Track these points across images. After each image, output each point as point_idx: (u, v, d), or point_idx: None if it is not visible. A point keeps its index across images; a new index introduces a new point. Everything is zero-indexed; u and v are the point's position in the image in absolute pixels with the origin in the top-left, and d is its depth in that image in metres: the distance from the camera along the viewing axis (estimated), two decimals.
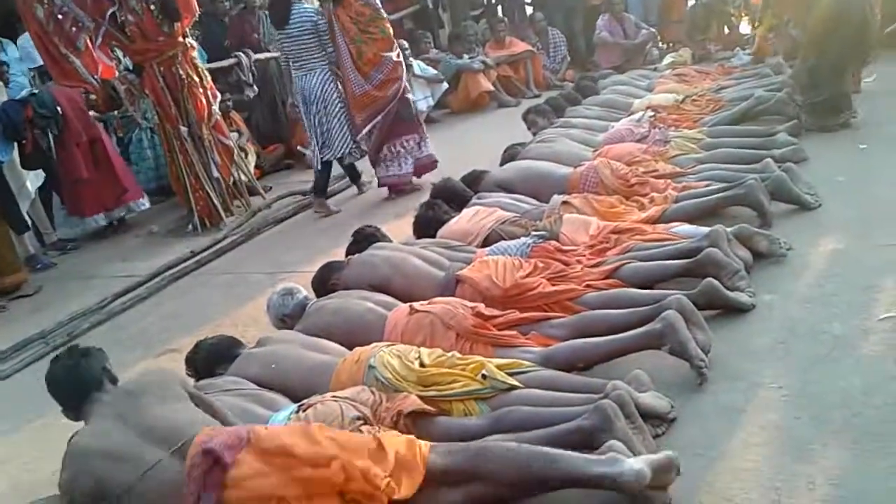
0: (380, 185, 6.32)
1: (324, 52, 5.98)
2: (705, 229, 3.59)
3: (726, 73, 7.46)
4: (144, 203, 6.85)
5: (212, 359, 3.09)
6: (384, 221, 5.40)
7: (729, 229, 3.60)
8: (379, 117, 6.03)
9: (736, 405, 2.61)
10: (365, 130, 6.05)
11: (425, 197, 4.91)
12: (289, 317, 3.43)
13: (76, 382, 2.47)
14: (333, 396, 2.65)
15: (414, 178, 6.27)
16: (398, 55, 6.08)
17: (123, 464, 2.20)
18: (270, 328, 3.68)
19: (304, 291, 3.51)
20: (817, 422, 2.42)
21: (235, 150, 6.65)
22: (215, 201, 6.28)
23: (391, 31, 6.11)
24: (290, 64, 6.24)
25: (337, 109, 6.04)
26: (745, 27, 10.05)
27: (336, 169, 6.53)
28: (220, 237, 5.90)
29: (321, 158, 6.16)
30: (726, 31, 9.92)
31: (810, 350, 2.83)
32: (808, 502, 2.10)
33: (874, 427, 2.33)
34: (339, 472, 2.12)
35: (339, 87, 6.06)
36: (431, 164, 6.27)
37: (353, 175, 6.64)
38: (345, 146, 6.11)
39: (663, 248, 3.53)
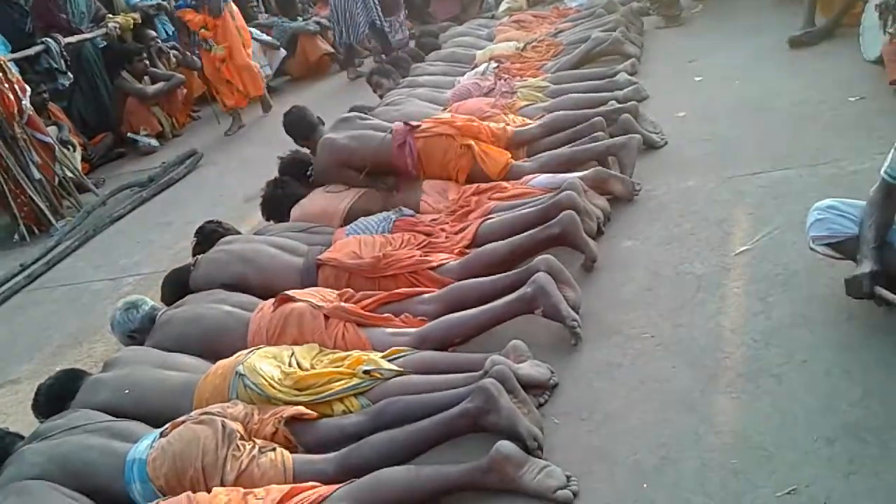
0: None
1: None
2: (563, 177, 3.57)
3: (562, 16, 7.49)
4: None
5: (54, 400, 2.75)
6: (233, 209, 5.12)
7: (585, 173, 3.61)
8: None
9: (614, 360, 2.60)
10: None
11: None
12: (137, 332, 3.12)
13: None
14: (201, 413, 2.44)
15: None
16: None
17: None
18: (119, 343, 3.36)
19: (150, 301, 3.21)
20: (693, 369, 2.44)
21: (57, 146, 6.05)
22: (41, 205, 5.69)
23: None
24: None
25: None
26: None
27: (171, 156, 6.15)
28: (51, 245, 5.34)
29: (344, 40, 8.14)
30: None
31: (676, 293, 2.86)
32: (696, 454, 2.11)
33: (746, 367, 2.37)
34: None
35: None
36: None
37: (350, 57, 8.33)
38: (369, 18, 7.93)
39: (522, 208, 3.47)
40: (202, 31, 6.91)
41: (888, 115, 3.64)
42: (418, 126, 4.05)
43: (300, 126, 4.56)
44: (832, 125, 3.83)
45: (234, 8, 7.00)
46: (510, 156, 4.02)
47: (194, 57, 8.21)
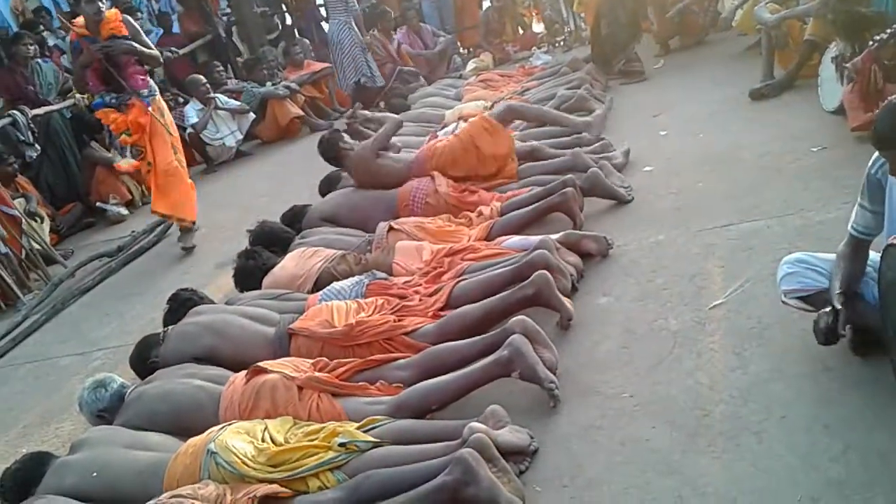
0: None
1: (346, 7, 8.44)
2: (535, 238, 3.57)
3: (528, 74, 7.64)
4: None
5: (20, 486, 2.66)
6: (204, 276, 5.07)
7: (556, 236, 3.62)
8: None
9: (593, 423, 2.57)
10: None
11: None
12: (106, 411, 3.03)
13: None
14: (171, 496, 2.36)
15: None
16: None
17: None
18: (87, 423, 3.27)
19: (119, 379, 3.13)
20: (672, 428, 2.41)
21: (24, 219, 5.97)
22: (7, 279, 5.58)
23: None
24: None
25: (348, 50, 8.43)
26: (537, 26, 10.40)
27: (141, 224, 6.26)
28: (18, 320, 5.23)
29: (345, 87, 8.90)
30: (521, 31, 10.22)
31: (652, 350, 2.84)
32: None
33: (726, 425, 2.35)
34: None
35: (353, 34, 8.46)
36: None
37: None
38: (357, 75, 8.59)
39: (495, 269, 3.46)
40: (123, 136, 5.67)
41: (850, 165, 3.69)
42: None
43: (329, 154, 5.02)
44: (797, 176, 3.90)
45: (163, 104, 5.76)
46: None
47: None
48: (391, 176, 4.70)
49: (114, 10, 5.55)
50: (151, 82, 5.60)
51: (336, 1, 8.58)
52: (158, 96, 5.66)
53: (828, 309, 2.33)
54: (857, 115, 4.07)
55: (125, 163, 5.75)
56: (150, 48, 5.56)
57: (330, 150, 5.02)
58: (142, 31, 5.63)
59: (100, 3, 5.30)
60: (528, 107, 5.54)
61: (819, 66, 4.85)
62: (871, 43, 3.97)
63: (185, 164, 5.75)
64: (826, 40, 4.86)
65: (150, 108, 5.44)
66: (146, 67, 5.59)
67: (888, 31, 3.84)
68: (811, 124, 4.56)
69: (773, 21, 5.37)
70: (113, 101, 5.44)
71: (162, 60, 6.06)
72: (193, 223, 5.78)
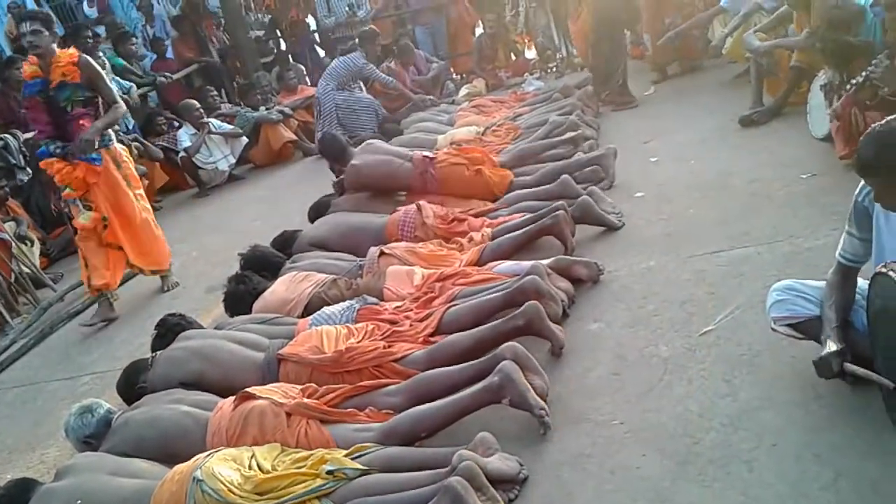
0: None
1: (332, 78, 8.34)
2: (526, 264, 3.57)
3: (520, 100, 7.67)
4: None
5: None
6: (194, 300, 5.04)
7: (547, 261, 3.62)
8: None
9: (583, 450, 2.55)
10: None
11: None
12: (93, 437, 3.01)
13: None
14: None
15: None
16: None
17: None
18: (73, 449, 3.23)
19: (106, 405, 3.11)
20: (663, 456, 2.40)
21: (14, 243, 5.95)
22: None
23: None
24: None
25: (325, 115, 8.28)
26: (530, 53, 10.48)
27: None
28: (6, 344, 5.20)
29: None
30: (513, 57, 10.30)
31: (643, 377, 2.84)
32: None
33: (716, 453, 2.33)
34: None
35: (330, 99, 8.30)
36: None
37: None
38: None
39: (486, 294, 3.45)
40: (66, 191, 4.98)
41: (838, 191, 3.71)
42: (435, 157, 4.99)
43: (333, 149, 5.38)
44: (786, 202, 3.91)
45: (120, 152, 5.12)
46: (512, 175, 4.99)
47: (156, 148, 8.26)
48: (393, 160, 4.97)
49: (70, 51, 4.89)
50: (108, 131, 5.01)
51: (333, 73, 8.39)
52: (114, 145, 5.06)
53: (833, 350, 2.31)
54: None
55: (84, 218, 4.95)
56: (112, 100, 4.93)
57: (333, 144, 5.36)
58: (104, 75, 5.00)
59: (31, 38, 4.64)
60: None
61: (808, 94, 4.90)
62: (848, 87, 4.02)
63: (150, 209, 5.36)
64: (812, 67, 4.92)
65: (98, 165, 4.90)
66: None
67: (863, 74, 3.89)
68: (800, 151, 4.59)
69: (763, 49, 5.43)
70: (58, 150, 4.84)
71: (125, 110, 5.49)
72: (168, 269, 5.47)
